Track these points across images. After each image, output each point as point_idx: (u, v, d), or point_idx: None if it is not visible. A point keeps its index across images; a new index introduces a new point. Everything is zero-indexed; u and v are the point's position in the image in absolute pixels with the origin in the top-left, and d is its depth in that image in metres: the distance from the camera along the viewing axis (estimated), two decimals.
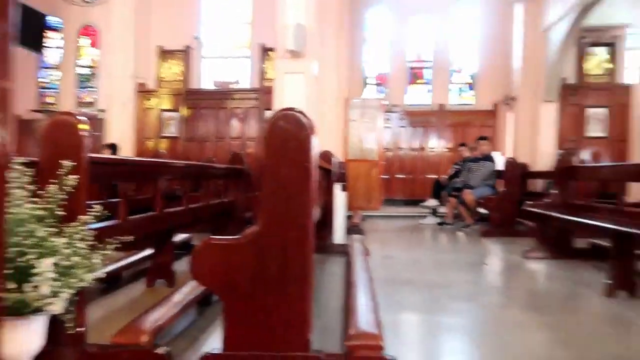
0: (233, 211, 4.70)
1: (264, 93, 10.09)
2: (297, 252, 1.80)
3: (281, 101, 6.31)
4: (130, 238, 1.89)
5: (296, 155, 1.80)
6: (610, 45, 9.86)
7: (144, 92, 10.38)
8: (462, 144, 8.35)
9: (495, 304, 3.19)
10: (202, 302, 2.67)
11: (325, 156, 5.17)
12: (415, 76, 11.47)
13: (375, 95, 11.29)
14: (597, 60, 10.00)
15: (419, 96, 11.39)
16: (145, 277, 3.27)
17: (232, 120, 10.59)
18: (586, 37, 9.69)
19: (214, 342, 2.08)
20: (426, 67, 11.44)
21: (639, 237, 3.19)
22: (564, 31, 8.34)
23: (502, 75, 10.43)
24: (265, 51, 10.66)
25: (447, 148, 10.75)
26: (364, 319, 2.10)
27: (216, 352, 1.78)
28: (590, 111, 9.75)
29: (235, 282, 1.80)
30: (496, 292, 3.55)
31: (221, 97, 10.61)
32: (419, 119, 10.92)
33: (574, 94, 9.75)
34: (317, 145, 1.86)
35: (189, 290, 2.44)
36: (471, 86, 11.27)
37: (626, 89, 9.46)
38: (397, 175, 10.82)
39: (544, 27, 9.08)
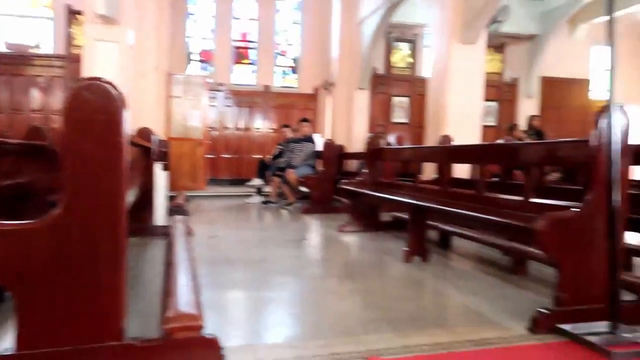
0: (32, 193, 4.09)
1: (71, 61, 8.96)
2: (108, 235, 1.64)
3: (91, 71, 5.67)
4: None
5: (104, 130, 1.62)
6: (412, 42, 11.17)
7: None
8: (285, 125, 8.63)
9: (314, 275, 3.39)
10: None
11: (144, 133, 4.83)
12: (240, 56, 11.42)
13: (200, 72, 10.94)
14: (401, 54, 11.24)
15: (245, 76, 11.39)
16: None
17: (32, 90, 9.20)
18: (393, 32, 10.80)
19: (7, 342, 1.80)
20: (251, 48, 11.48)
21: (430, 209, 3.72)
22: (375, 25, 9.15)
23: (322, 61, 11.03)
24: (73, 14, 9.44)
25: (272, 129, 11.01)
26: (183, 300, 2.03)
27: (7, 354, 1.54)
28: (396, 100, 10.96)
29: (31, 272, 1.57)
30: (315, 265, 3.78)
31: (17, 62, 9.12)
32: (244, 99, 10.94)
33: (383, 84, 10.84)
34: (129, 120, 1.71)
35: None
36: (294, 70, 11.67)
37: (423, 82, 10.86)
38: (223, 155, 10.73)
39: (358, 20, 9.83)
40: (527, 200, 2.92)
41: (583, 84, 11.41)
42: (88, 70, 5.76)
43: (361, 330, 2.23)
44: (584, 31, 10.87)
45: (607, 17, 2.23)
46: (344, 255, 4.24)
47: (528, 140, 7.64)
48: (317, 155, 7.62)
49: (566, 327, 2.16)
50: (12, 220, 1.92)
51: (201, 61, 11.14)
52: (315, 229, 5.65)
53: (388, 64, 11.06)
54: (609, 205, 2.16)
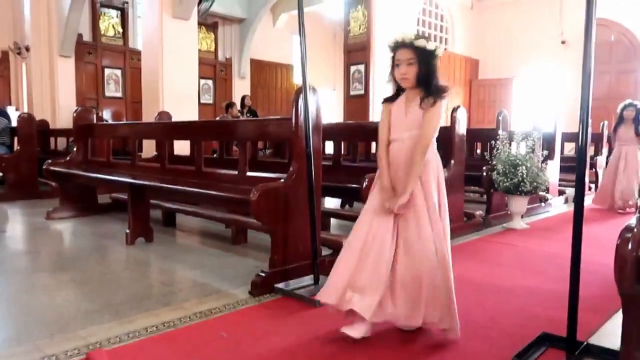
0: None
1: None
2: None
3: None
4: None
5: None
6: (121, 10, 10.38)
7: None
8: None
9: (19, 270, 2.93)
10: None
11: None
12: None
13: None
14: (110, 22, 10.33)
15: None
16: None
17: None
18: None
19: None
20: None
21: (150, 188, 3.63)
22: None
23: (13, 18, 9.22)
24: None
25: None
26: None
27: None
28: (108, 71, 10.09)
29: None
30: (19, 258, 3.25)
31: None
32: None
33: (91, 53, 9.79)
34: None
35: None
36: None
37: (137, 54, 10.28)
38: None
39: None
40: (244, 174, 3.16)
41: (287, 68, 12.82)
42: None
43: (79, 325, 2.05)
44: (285, 20, 12.14)
45: (297, 11, 2.57)
46: (55, 244, 3.76)
47: (243, 118, 8.21)
48: (12, 131, 6.45)
49: (280, 285, 2.48)
50: None
51: None
52: (16, 218, 4.82)
53: (96, 32, 10.03)
54: (308, 176, 2.54)
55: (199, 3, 7.61)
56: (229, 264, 3.09)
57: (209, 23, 11.07)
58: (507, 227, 4.37)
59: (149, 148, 6.11)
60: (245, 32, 11.56)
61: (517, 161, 4.11)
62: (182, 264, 3.10)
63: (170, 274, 2.97)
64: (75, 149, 4.94)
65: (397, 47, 1.88)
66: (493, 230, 4.26)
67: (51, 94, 8.75)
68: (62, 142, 7.66)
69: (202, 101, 8.40)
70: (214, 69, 11.36)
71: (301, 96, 2.57)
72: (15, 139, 6.48)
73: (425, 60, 1.85)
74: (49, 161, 4.79)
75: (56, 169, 4.66)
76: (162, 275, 2.96)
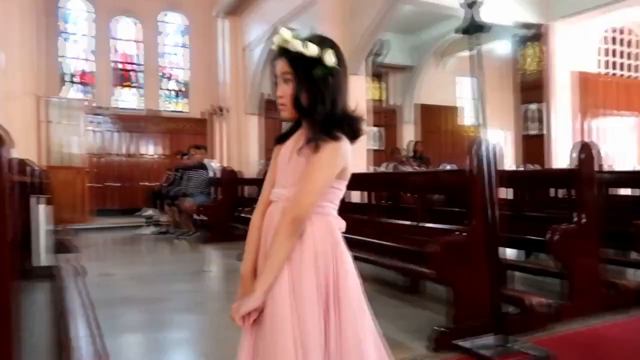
0: None
1: None
2: None
3: None
4: None
5: None
6: None
7: None
8: (179, 152, 8.36)
9: (219, 309, 3.33)
10: None
11: (19, 166, 4.39)
12: (123, 78, 10.87)
13: (78, 95, 10.20)
14: None
15: (130, 99, 10.86)
16: None
17: None
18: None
19: None
20: (135, 70, 11.00)
21: None
22: (262, 51, 9.31)
23: (212, 86, 10.91)
24: None
25: (163, 155, 10.59)
26: (84, 353, 1.91)
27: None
28: (284, 124, 11.15)
29: None
30: (218, 298, 3.71)
31: None
32: (130, 123, 10.41)
33: (271, 109, 10.98)
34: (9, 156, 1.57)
35: None
36: (184, 94, 11.40)
37: None
38: (111, 183, 10.03)
39: (244, 45, 9.94)
40: (418, 225, 3.19)
41: (453, 110, 12.67)
42: None
43: None
44: (451, 63, 12.09)
45: (470, 52, 2.56)
46: None
47: (411, 163, 8.28)
48: (211, 182, 7.49)
49: (463, 343, 2.39)
50: None
51: (81, 83, 10.40)
52: (215, 259, 5.54)
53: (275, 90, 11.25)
54: (487, 228, 2.45)
55: (376, 56, 8.09)
56: (404, 314, 3.08)
57: (378, 73, 11.60)
58: None
59: None
60: (411, 79, 11.82)
61: None
62: None
63: None
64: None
65: (274, 57, 1.25)
66: None
67: (240, 147, 10.03)
68: (246, 190, 8.64)
69: (373, 147, 8.71)
70: (383, 116, 11.76)
71: (476, 145, 2.53)
72: (214, 188, 7.48)
73: (305, 76, 1.18)
74: (240, 208, 5.43)
75: (247, 215, 5.27)
76: None
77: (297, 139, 1.24)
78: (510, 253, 5.20)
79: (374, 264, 4.16)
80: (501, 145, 5.08)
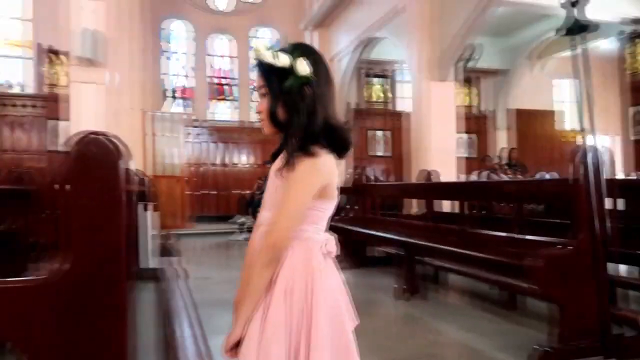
0: (14, 237, 3.99)
1: (48, 100, 8.85)
2: (110, 288, 1.63)
3: (77, 113, 5.67)
4: None
5: (105, 183, 1.63)
6: (385, 77, 11.45)
7: None
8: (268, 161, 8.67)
9: None
10: None
11: (127, 175, 4.79)
12: (218, 92, 11.52)
13: (178, 108, 10.97)
14: (375, 89, 11.48)
15: (225, 112, 11.48)
16: None
17: (3, 130, 9.01)
18: (365, 69, 11.08)
19: None
20: (229, 84, 11.60)
21: (421, 247, 3.78)
22: (349, 61, 9.40)
23: None
24: (47, 53, 9.35)
25: (255, 164, 11.05)
26: (189, 353, 2.02)
27: None
28: (371, 133, 11.14)
29: (39, 330, 1.54)
30: None
31: None
32: (225, 134, 10.98)
33: (357, 117, 11.03)
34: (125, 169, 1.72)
35: None
36: None
37: (398, 115, 11.06)
38: (208, 191, 10.66)
39: (332, 56, 10.09)
40: (514, 237, 3.02)
41: (549, 115, 11.88)
42: (74, 111, 5.76)
43: None
44: (546, 65, 11.38)
45: (572, 53, 2.39)
46: None
47: (505, 170, 7.88)
48: None
49: None
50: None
51: (181, 98, 11.19)
52: None
53: (361, 99, 11.29)
54: (595, 243, 2.27)
55: (467, 61, 7.89)
56: (501, 330, 2.93)
57: (468, 78, 11.22)
58: None
59: (408, 202, 6.44)
60: (504, 83, 11.29)
61: None
62: (451, 325, 3.09)
63: (440, 334, 2.98)
64: (355, 206, 5.51)
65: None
66: None
67: None
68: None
69: (466, 155, 8.44)
70: (476, 123, 11.33)
71: (581, 152, 2.36)
72: None
73: (278, 88, 1.10)
74: (336, 217, 5.46)
75: (342, 225, 5.26)
76: (433, 335, 2.99)
77: (283, 156, 1.13)
78: (622, 269, 4.76)
79: (465, 275, 4.02)
80: (612, 151, 4.70)
